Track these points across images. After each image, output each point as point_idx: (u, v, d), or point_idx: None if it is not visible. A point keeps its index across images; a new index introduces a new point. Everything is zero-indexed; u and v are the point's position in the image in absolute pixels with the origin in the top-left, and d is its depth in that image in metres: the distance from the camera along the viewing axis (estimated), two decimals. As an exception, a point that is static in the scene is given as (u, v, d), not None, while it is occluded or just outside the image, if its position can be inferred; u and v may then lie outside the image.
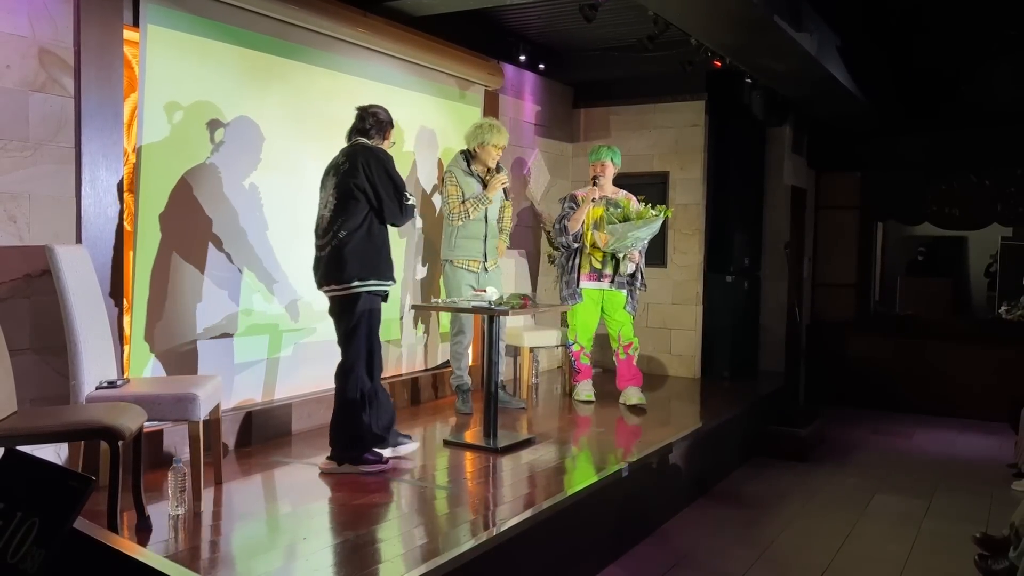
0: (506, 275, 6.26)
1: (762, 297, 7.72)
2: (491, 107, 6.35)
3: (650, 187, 7.21)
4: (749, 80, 6.50)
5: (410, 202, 3.94)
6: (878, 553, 4.23)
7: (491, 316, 4.55)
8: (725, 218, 7.29)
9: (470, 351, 5.57)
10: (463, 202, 5.17)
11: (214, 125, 4.24)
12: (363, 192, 3.84)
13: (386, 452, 4.07)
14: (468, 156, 5.29)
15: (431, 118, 5.80)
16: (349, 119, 5.02)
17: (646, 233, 5.46)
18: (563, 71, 7.05)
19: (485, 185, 5.26)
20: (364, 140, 4.00)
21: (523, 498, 3.84)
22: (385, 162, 3.92)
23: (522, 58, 6.50)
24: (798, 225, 8.26)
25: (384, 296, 4.00)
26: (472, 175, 5.26)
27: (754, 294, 7.60)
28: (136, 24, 3.88)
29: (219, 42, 4.27)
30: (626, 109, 7.34)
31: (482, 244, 5.27)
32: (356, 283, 3.85)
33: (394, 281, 4.01)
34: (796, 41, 5.26)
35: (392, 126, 4.15)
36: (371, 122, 4.03)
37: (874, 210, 8.83)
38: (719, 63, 6.09)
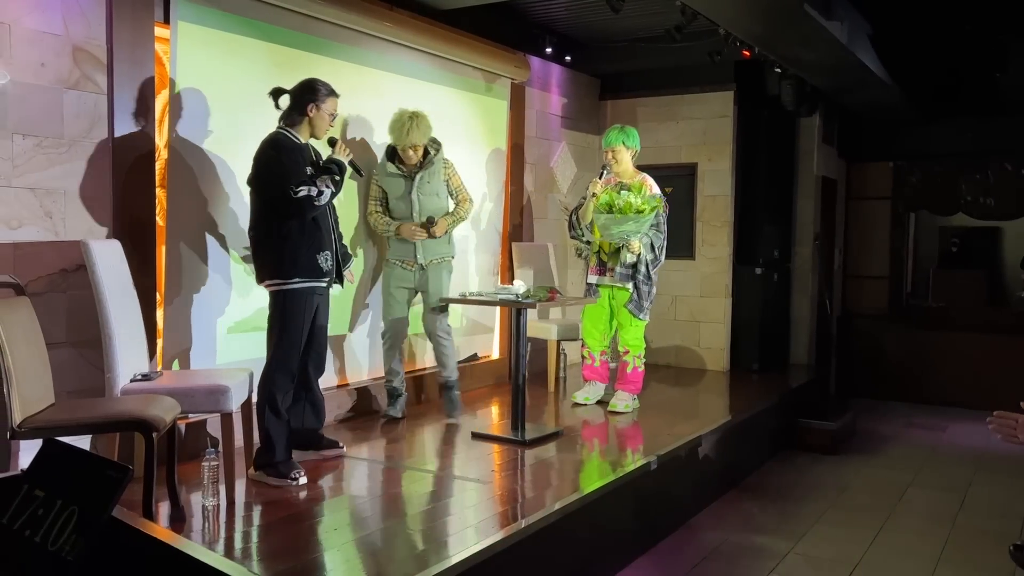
0: (535, 267, 6.25)
1: (792, 289, 7.64)
2: (517, 100, 6.34)
3: (678, 179, 7.17)
4: (778, 70, 6.42)
5: (300, 193, 3.50)
6: (911, 547, 4.17)
7: (518, 309, 4.55)
8: (754, 210, 7.22)
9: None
10: (374, 211, 4.79)
11: (243, 120, 4.27)
12: (254, 189, 3.62)
13: (309, 455, 3.96)
14: (393, 150, 4.81)
15: (457, 112, 5.79)
16: (376, 114, 5.07)
17: (633, 227, 4.96)
18: (590, 63, 7.02)
19: (410, 177, 4.74)
20: (280, 126, 3.70)
21: (551, 491, 3.85)
22: (272, 148, 3.58)
23: (548, 50, 6.48)
24: (829, 216, 8.16)
25: (320, 289, 3.72)
26: (400, 174, 4.76)
27: (784, 286, 7.52)
28: (167, 21, 3.92)
29: (247, 38, 4.31)
30: (653, 100, 7.28)
31: (412, 243, 4.78)
32: (267, 283, 3.67)
33: (301, 278, 3.62)
34: (826, 29, 5.19)
35: (314, 95, 3.68)
36: (289, 104, 3.69)
37: (906, 201, 8.71)
38: (748, 53, 6.03)
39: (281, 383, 3.67)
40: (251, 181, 3.69)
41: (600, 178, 5.25)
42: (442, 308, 4.87)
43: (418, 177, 4.73)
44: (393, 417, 4.89)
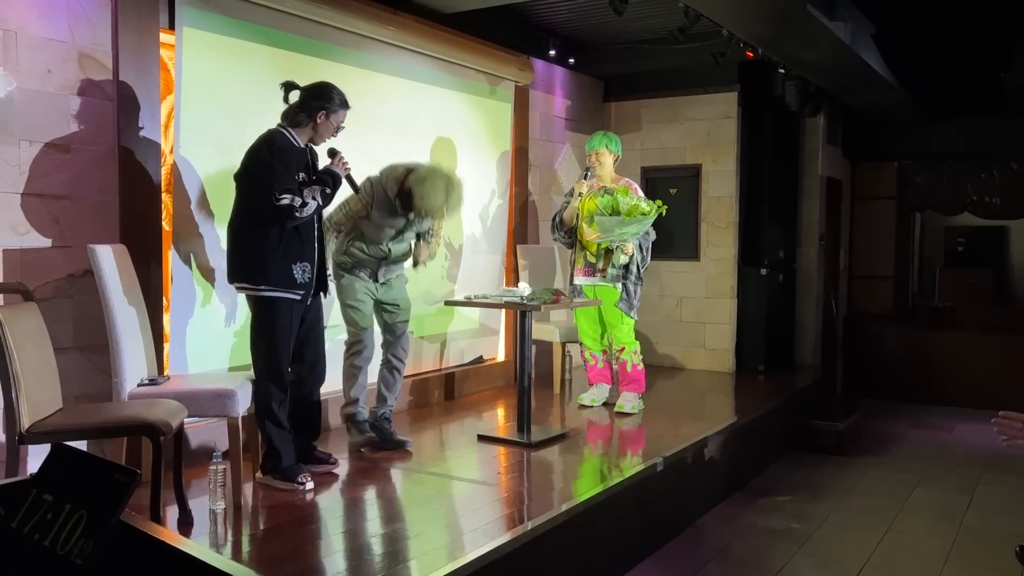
0: (537, 269, 6.26)
1: (797, 290, 7.64)
2: (521, 102, 6.35)
3: (683, 180, 7.18)
4: (782, 70, 6.42)
5: (283, 201, 3.34)
6: (918, 548, 4.17)
7: (523, 311, 4.56)
8: (759, 210, 7.21)
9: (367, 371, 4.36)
10: (341, 226, 4.18)
11: (248, 124, 4.28)
12: (239, 185, 3.52)
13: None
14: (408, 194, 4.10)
15: (461, 115, 5.80)
16: (380, 118, 5.08)
17: (635, 229, 5.04)
18: (593, 65, 7.03)
19: (406, 220, 4.20)
20: (281, 124, 3.57)
21: (557, 492, 3.86)
22: (266, 148, 3.44)
23: (552, 53, 6.48)
24: (834, 217, 8.16)
25: (294, 300, 3.52)
26: (399, 213, 4.17)
27: (789, 287, 7.52)
28: (172, 27, 3.94)
29: (252, 43, 4.32)
30: (657, 102, 7.28)
31: (374, 259, 4.28)
32: (237, 284, 3.56)
33: (270, 287, 3.46)
34: (830, 30, 5.19)
35: (327, 102, 3.54)
36: (298, 103, 3.55)
37: (912, 200, 8.70)
38: (751, 54, 6.03)
39: (275, 392, 3.56)
40: (238, 177, 3.57)
41: (585, 179, 5.28)
42: (406, 325, 4.40)
43: (409, 223, 4.26)
44: (397, 443, 4.32)
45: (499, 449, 4.45)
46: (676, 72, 6.99)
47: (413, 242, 4.39)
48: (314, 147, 3.73)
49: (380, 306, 4.35)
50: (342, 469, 4.00)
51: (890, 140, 8.62)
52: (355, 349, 4.27)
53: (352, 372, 4.27)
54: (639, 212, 4.99)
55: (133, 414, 2.98)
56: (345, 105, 3.66)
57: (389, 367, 4.39)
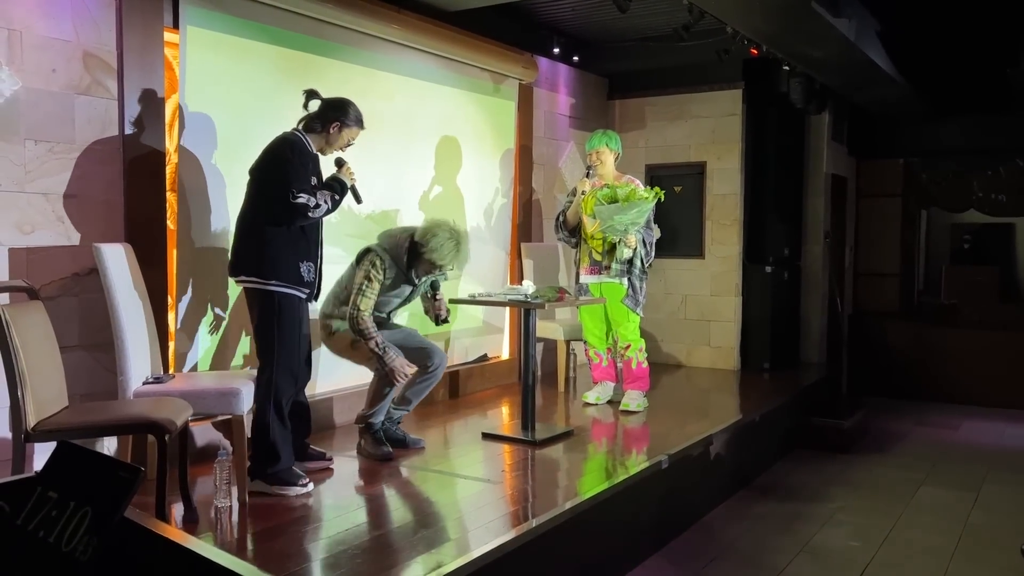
0: (540, 267, 6.27)
1: (802, 287, 7.62)
2: (525, 100, 6.35)
3: (687, 177, 7.17)
4: (787, 67, 6.41)
5: (299, 200, 3.43)
6: (924, 546, 4.16)
7: (527, 309, 4.56)
8: (764, 208, 7.20)
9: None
10: (370, 310, 4.00)
11: (252, 123, 4.29)
12: (255, 180, 3.58)
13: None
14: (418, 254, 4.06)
15: (465, 113, 5.80)
16: (385, 116, 5.08)
17: (634, 216, 4.95)
18: (597, 62, 7.02)
19: (412, 286, 4.21)
20: (297, 129, 3.66)
21: (562, 490, 3.86)
22: (288, 147, 3.53)
23: (556, 50, 6.48)
24: (839, 214, 8.14)
25: (301, 297, 3.57)
26: (407, 279, 4.17)
27: (794, 284, 7.51)
28: (176, 26, 3.95)
29: (256, 42, 4.33)
30: (662, 99, 7.28)
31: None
32: (242, 277, 3.55)
33: (280, 282, 3.49)
34: (834, 27, 5.18)
35: (343, 116, 3.66)
36: (316, 111, 3.66)
37: (917, 198, 8.68)
38: (756, 51, 6.02)
39: (285, 387, 3.55)
40: (254, 172, 3.61)
41: (587, 177, 5.28)
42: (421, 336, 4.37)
43: (415, 289, 4.28)
44: (412, 443, 4.35)
45: (503, 447, 4.45)
46: (680, 69, 6.99)
47: (428, 301, 4.35)
48: (321, 156, 3.78)
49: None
50: (348, 467, 4.01)
51: (896, 137, 8.60)
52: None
53: (381, 395, 4.13)
54: (636, 196, 4.97)
55: (138, 412, 2.99)
56: (359, 123, 3.75)
57: (423, 374, 4.25)
